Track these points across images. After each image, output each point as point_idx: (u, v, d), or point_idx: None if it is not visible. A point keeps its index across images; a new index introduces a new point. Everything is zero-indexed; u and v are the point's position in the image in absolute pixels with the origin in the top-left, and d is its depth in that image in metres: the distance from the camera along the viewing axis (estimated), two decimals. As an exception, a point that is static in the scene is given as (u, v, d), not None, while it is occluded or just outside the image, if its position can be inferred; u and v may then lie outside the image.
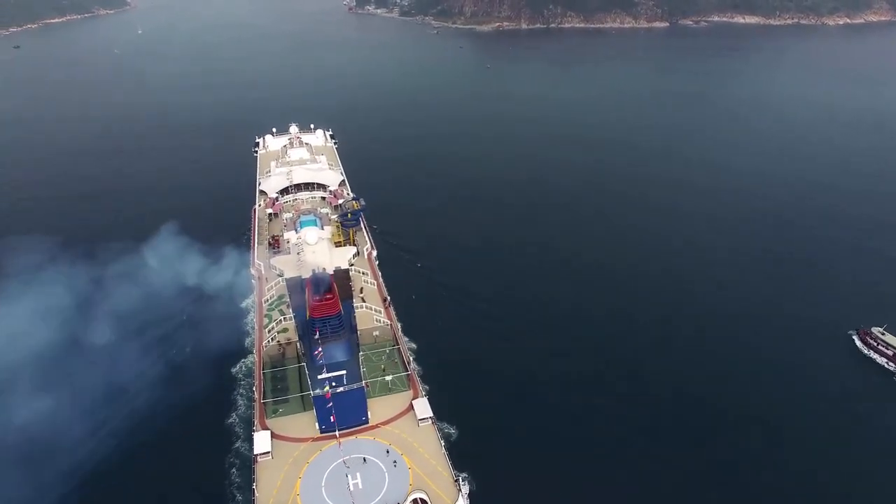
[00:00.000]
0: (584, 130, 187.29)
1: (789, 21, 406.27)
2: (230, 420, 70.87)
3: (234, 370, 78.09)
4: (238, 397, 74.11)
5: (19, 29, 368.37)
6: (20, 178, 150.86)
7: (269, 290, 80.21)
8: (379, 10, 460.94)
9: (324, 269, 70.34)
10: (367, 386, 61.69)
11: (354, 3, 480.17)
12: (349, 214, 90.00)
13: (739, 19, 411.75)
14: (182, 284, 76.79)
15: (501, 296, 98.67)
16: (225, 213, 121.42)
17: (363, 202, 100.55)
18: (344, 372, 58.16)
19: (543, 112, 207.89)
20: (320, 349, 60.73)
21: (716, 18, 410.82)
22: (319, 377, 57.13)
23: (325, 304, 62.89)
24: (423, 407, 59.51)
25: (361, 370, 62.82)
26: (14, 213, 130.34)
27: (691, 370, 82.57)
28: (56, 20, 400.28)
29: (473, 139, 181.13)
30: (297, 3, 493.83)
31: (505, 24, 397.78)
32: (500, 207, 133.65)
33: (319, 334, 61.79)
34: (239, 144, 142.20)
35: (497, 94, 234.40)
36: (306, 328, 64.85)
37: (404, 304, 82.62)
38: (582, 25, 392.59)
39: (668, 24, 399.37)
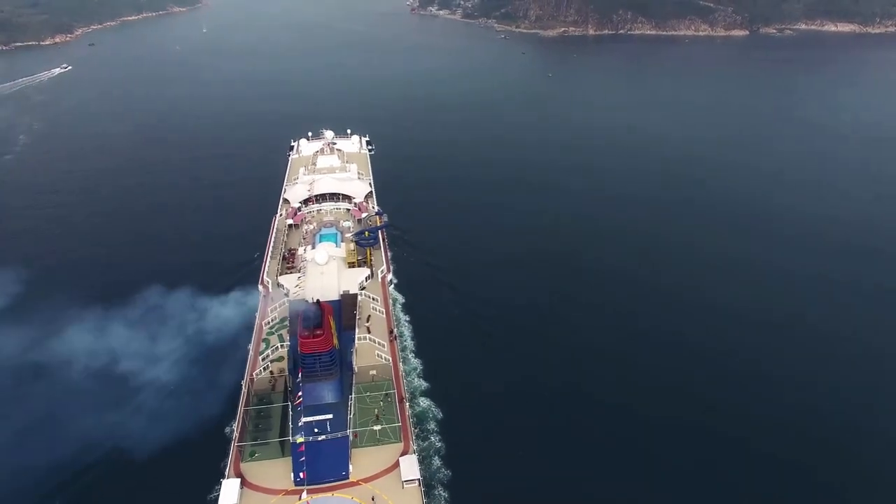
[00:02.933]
0: (647, 148, 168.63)
1: (892, 28, 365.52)
2: (204, 461, 62.36)
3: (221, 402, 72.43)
4: (219, 434, 68.20)
5: (100, 26, 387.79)
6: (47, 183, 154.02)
7: (272, 311, 74.41)
8: (441, 12, 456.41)
9: (317, 300, 62.92)
10: (356, 436, 54.74)
11: (417, 4, 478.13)
12: (367, 233, 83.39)
13: (831, 27, 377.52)
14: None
15: (551, 343, 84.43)
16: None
17: (386, 218, 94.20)
18: (330, 416, 52.70)
19: (606, 127, 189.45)
20: (300, 394, 53.96)
21: (803, 26, 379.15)
22: (303, 420, 51.77)
23: (315, 340, 56.08)
24: (410, 466, 51.63)
25: (350, 416, 55.73)
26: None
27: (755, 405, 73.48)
28: (133, 18, 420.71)
29: (526, 156, 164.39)
30: (361, 2, 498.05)
31: (571, 29, 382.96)
32: (551, 234, 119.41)
33: (304, 373, 54.73)
34: (283, 146, 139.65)
35: (558, 106, 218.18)
36: (296, 362, 58.45)
37: (426, 331, 75.97)
38: (653, 32, 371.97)
39: (747, 32, 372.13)
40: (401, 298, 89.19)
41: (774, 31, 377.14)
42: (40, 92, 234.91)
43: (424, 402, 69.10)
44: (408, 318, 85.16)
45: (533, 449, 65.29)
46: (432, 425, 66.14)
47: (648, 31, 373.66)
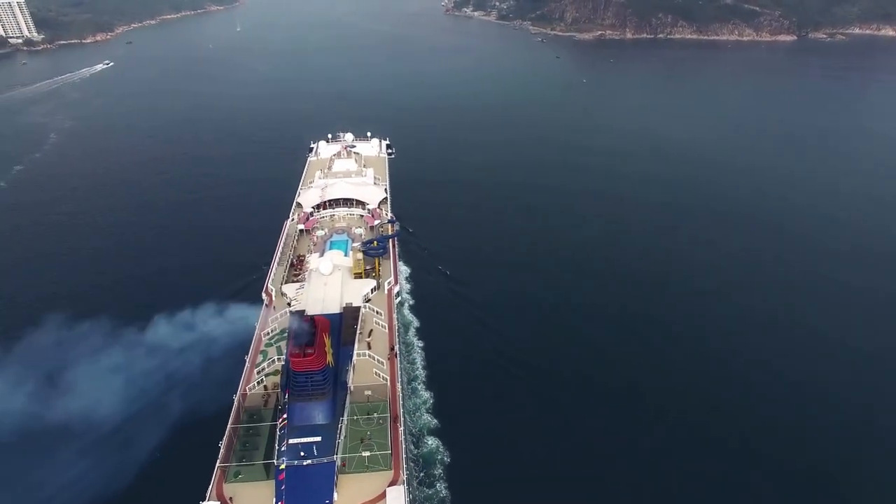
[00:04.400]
0: (685, 162, 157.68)
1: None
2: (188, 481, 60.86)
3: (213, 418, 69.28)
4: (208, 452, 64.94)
5: (140, 24, 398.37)
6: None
7: (273, 321, 70.96)
8: (476, 13, 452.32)
9: (310, 316, 59.16)
10: (344, 465, 50.56)
11: (452, 5, 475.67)
12: (375, 242, 79.34)
13: (889, 32, 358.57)
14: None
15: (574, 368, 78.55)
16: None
17: (398, 226, 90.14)
18: (318, 439, 49.18)
19: (641, 138, 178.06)
20: (285, 416, 49.98)
21: (856, 31, 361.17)
22: (289, 442, 48.50)
23: (306, 359, 52.32)
24: (397, 498, 47.40)
25: (339, 439, 51.76)
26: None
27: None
28: (172, 16, 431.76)
29: (553, 165, 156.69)
30: (396, 2, 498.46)
31: (608, 33, 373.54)
32: (570, 256, 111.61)
33: (295, 392, 50.68)
34: (305, 147, 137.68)
35: (590, 115, 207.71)
36: (288, 379, 54.92)
37: (439, 359, 70.56)
38: (694, 37, 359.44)
39: (795, 37, 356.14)
40: (415, 322, 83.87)
41: (825, 35, 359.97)
42: (76, 90, 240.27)
43: (431, 442, 63.63)
44: (421, 344, 79.69)
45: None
46: (439, 470, 60.62)
47: (689, 36, 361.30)
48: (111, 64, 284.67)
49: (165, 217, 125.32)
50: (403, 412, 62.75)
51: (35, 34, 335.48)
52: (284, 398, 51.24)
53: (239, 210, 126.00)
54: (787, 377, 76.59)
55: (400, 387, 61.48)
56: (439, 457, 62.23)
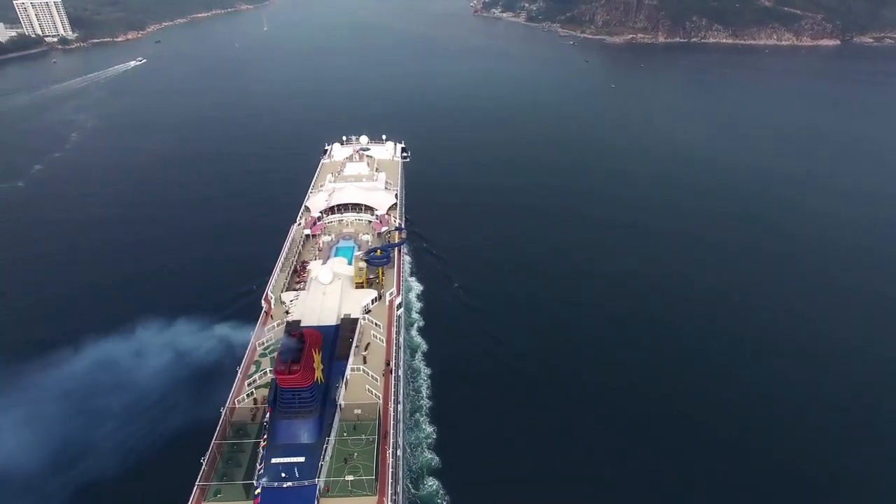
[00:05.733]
0: (717, 177, 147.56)
1: None
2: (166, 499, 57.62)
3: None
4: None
5: (171, 23, 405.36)
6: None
7: (269, 329, 67.89)
8: (505, 14, 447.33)
9: (299, 331, 55.74)
10: (328, 489, 46.86)
11: (481, 6, 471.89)
12: (379, 251, 75.59)
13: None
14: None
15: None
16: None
17: (405, 235, 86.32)
18: (301, 460, 46.46)
19: (671, 149, 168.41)
20: (265, 436, 47.03)
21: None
22: (272, 461, 46.04)
23: (291, 377, 49.01)
24: None
25: (322, 461, 48.19)
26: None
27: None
28: (202, 15, 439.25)
29: (575, 175, 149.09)
30: (424, 3, 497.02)
31: (639, 36, 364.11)
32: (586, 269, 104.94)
33: (280, 409, 48.00)
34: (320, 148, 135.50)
35: (618, 123, 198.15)
36: (275, 394, 51.76)
37: (447, 387, 65.10)
38: (729, 41, 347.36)
39: (838, 41, 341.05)
40: (423, 345, 78.67)
41: (871, 40, 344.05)
42: (102, 88, 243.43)
43: (431, 484, 58.67)
44: (428, 371, 74.50)
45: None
46: (437, 518, 55.41)
47: (724, 40, 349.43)
48: (144, 61, 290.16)
49: (175, 217, 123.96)
50: (404, 444, 58.80)
51: (70, 33, 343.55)
52: (265, 417, 49.20)
53: (252, 211, 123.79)
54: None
55: (392, 405, 57.53)
56: (439, 501, 57.35)
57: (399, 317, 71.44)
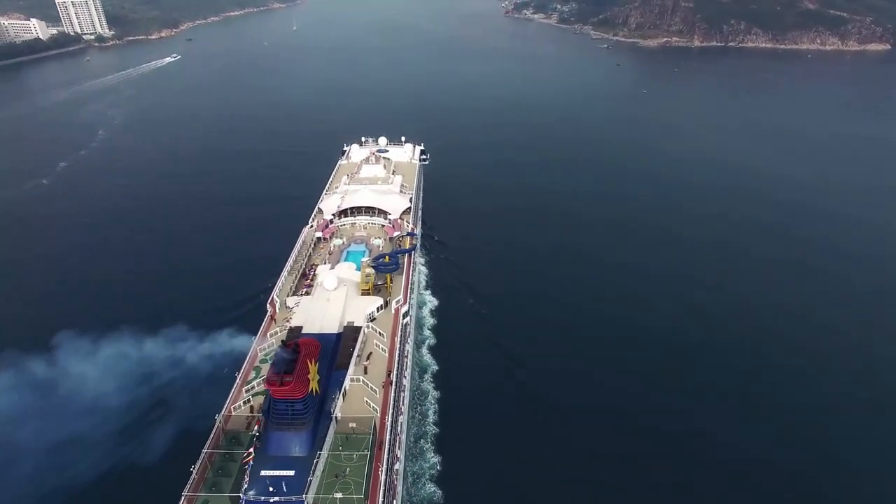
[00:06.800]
0: (753, 191, 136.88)
1: None
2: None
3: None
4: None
5: (204, 21, 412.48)
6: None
7: (272, 335, 65.94)
8: (536, 16, 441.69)
9: (295, 341, 53.47)
10: None
11: (512, 7, 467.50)
12: (387, 257, 72.94)
13: None
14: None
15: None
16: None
17: (416, 241, 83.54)
18: (291, 474, 45.10)
19: (701, 160, 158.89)
20: (251, 450, 45.16)
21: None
22: (260, 474, 44.83)
23: (282, 388, 46.99)
24: None
25: (311, 477, 45.81)
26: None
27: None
28: (235, 13, 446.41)
29: (598, 185, 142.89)
30: (455, 3, 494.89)
31: (674, 39, 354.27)
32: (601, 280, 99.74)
33: (272, 420, 46.42)
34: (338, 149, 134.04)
35: (646, 130, 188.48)
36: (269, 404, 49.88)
37: (456, 414, 60.96)
38: (769, 46, 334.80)
39: (888, 46, 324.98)
40: (434, 365, 74.58)
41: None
42: (131, 86, 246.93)
43: None
44: (437, 395, 70.12)
45: None
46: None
47: (763, 45, 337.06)
48: (178, 57, 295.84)
49: (191, 216, 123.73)
50: (405, 459, 55.84)
51: (106, 31, 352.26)
52: (253, 432, 48.09)
53: (271, 210, 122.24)
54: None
55: (390, 419, 54.79)
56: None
57: (405, 325, 68.57)
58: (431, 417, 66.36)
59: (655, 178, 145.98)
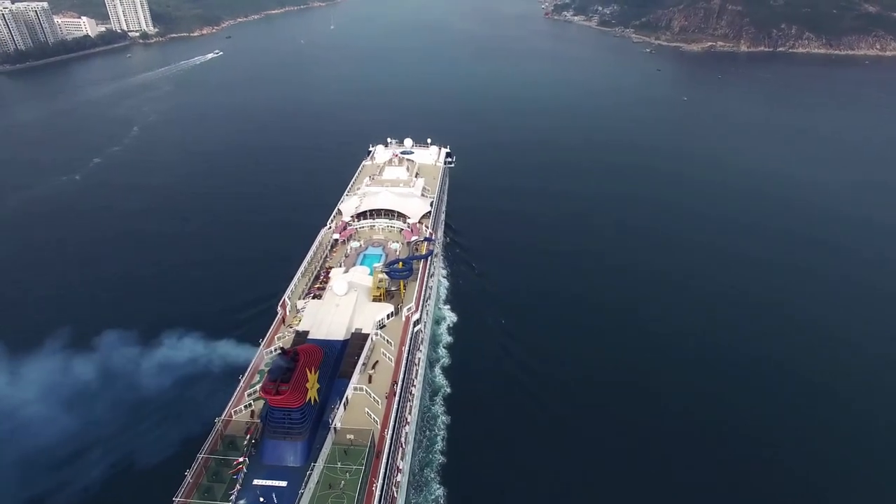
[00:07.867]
0: (801, 208, 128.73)
1: None
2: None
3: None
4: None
5: (245, 19, 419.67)
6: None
7: (279, 338, 63.99)
8: (576, 18, 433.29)
9: (294, 349, 51.16)
10: None
11: (552, 9, 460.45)
12: (400, 263, 70.06)
13: None
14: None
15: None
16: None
17: (433, 247, 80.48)
18: (284, 484, 44.59)
19: (745, 173, 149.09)
20: (243, 458, 44.01)
21: None
22: (253, 482, 44.55)
23: (278, 397, 45.21)
24: None
25: (304, 489, 43.61)
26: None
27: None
28: (276, 11, 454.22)
29: (635, 196, 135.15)
30: (495, 3, 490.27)
31: (719, 44, 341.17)
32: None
33: (267, 428, 45.88)
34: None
35: (685, 141, 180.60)
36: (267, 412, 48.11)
37: (468, 421, 57.78)
38: (822, 51, 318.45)
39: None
40: (446, 387, 70.90)
41: None
42: (169, 82, 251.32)
43: None
44: (447, 420, 66.24)
45: None
46: None
47: (816, 50, 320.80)
48: (220, 53, 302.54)
49: (213, 215, 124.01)
50: (408, 472, 52.68)
51: (151, 28, 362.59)
52: (246, 436, 47.19)
53: (296, 210, 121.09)
54: None
55: (391, 432, 52.00)
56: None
57: (416, 334, 65.61)
58: (439, 445, 62.58)
59: (692, 193, 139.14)
